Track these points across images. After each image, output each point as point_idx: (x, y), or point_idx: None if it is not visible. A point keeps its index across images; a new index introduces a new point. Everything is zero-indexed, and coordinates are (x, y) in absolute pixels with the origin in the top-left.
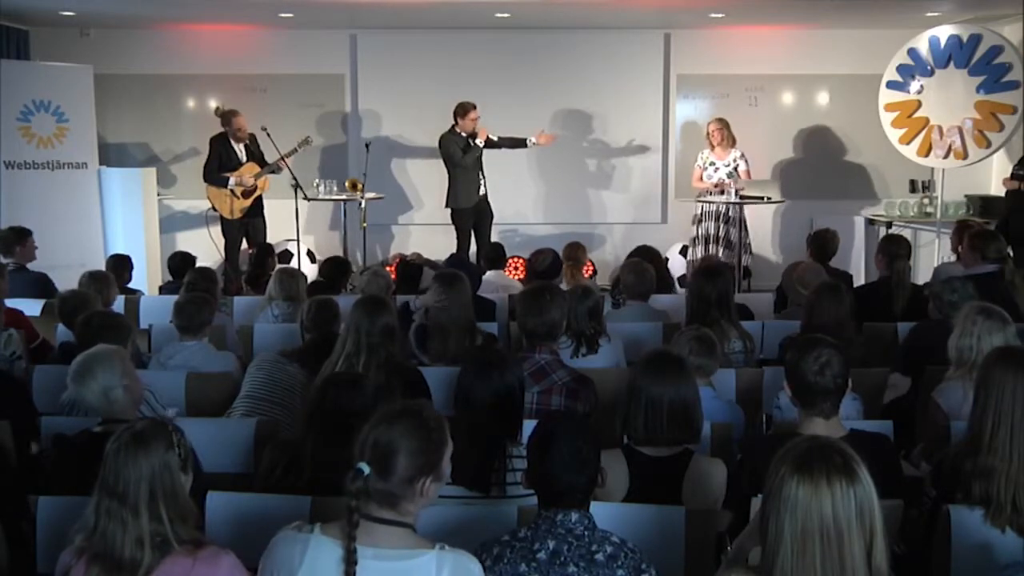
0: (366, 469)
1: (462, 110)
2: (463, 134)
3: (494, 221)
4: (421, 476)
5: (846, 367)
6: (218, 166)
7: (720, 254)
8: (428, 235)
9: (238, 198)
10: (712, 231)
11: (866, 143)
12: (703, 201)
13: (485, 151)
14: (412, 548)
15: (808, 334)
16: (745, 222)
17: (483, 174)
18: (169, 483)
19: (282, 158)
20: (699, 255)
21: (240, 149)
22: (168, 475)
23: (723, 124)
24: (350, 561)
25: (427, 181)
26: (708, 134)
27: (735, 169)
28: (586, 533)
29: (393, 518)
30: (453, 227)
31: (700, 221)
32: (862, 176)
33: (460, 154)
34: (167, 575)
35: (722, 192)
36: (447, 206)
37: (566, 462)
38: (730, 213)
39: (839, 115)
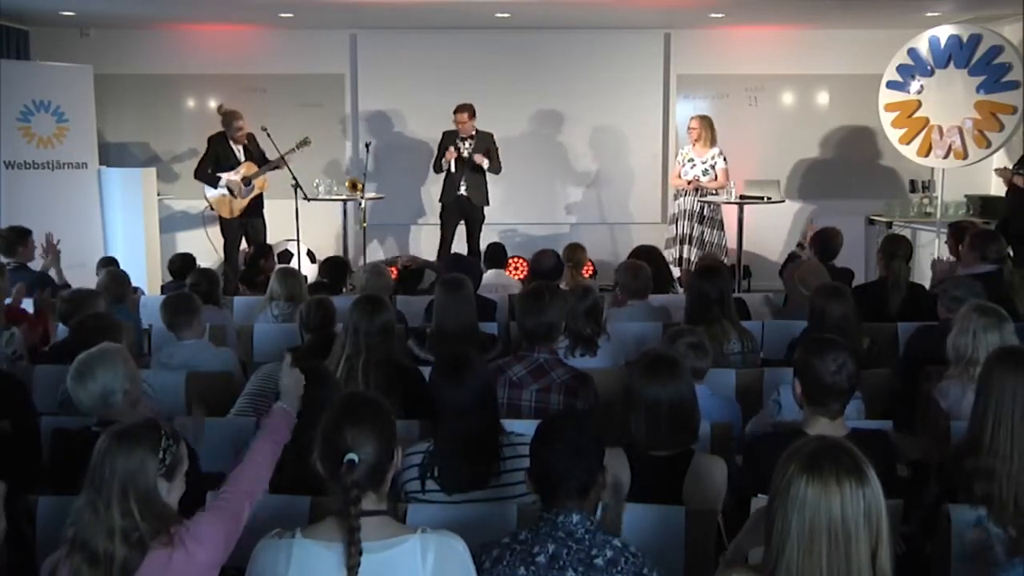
0: (357, 458)
1: (455, 110)
2: (461, 135)
3: (494, 221)
4: (394, 446)
5: (858, 368)
6: (214, 165)
7: (692, 255)
8: (428, 235)
9: (235, 198)
10: (686, 231)
11: (866, 143)
12: (704, 201)
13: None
14: (395, 535)
15: (818, 334)
16: (722, 223)
17: (468, 177)
18: (143, 486)
19: (281, 157)
20: (674, 256)
21: (238, 150)
22: (143, 478)
23: (704, 122)
24: (352, 554)
25: (427, 181)
26: (688, 129)
27: (712, 167)
28: (586, 536)
29: (373, 507)
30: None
31: (676, 220)
32: (862, 176)
33: (437, 162)
34: (148, 571)
35: (696, 191)
36: (439, 201)
37: (564, 452)
38: (705, 213)
39: (839, 115)
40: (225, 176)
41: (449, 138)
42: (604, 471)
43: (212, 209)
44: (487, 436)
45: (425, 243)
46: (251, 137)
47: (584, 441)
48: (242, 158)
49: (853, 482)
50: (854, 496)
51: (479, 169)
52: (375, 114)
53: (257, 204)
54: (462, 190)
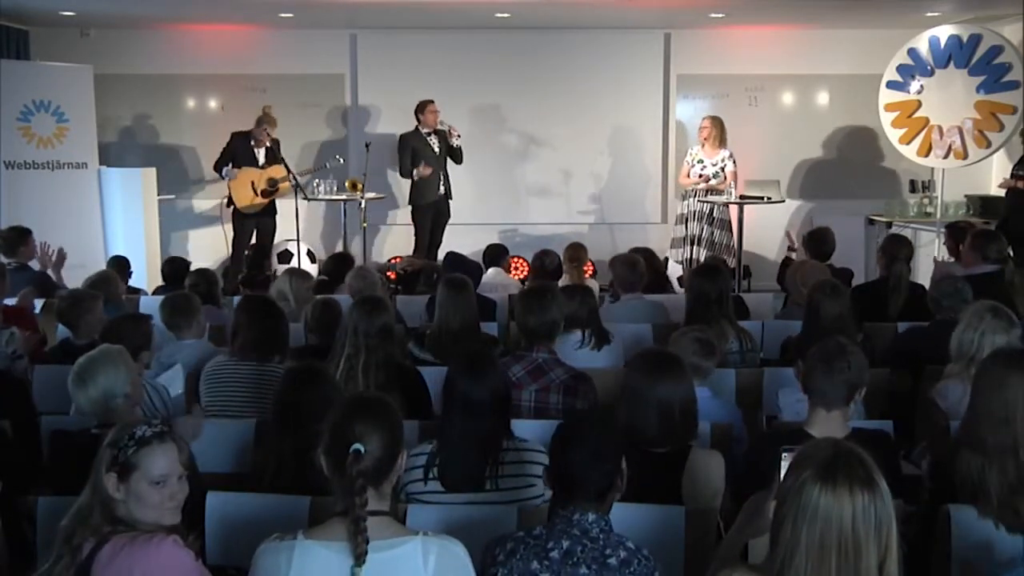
0: (363, 448)
1: (421, 106)
2: (425, 131)
3: (494, 221)
4: (400, 447)
5: (860, 360)
6: (230, 159)
7: (702, 256)
8: None
9: (257, 195)
10: (696, 231)
11: (866, 143)
12: (705, 201)
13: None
14: (397, 536)
15: (825, 336)
16: (730, 224)
17: (444, 173)
18: (95, 476)
19: (293, 178)
20: (682, 256)
21: (259, 152)
22: (97, 468)
23: (715, 123)
24: (359, 543)
25: None
26: (699, 128)
27: (722, 169)
28: (601, 536)
29: (376, 507)
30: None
31: (685, 221)
32: (862, 176)
33: (407, 167)
34: (103, 555)
35: (707, 191)
36: (409, 203)
37: (584, 455)
38: (715, 214)
39: (839, 115)
40: (235, 170)
41: (416, 139)
42: (622, 474)
43: (230, 203)
44: (492, 437)
45: None
46: (275, 142)
47: (606, 446)
48: (262, 160)
49: (866, 494)
50: (867, 508)
51: (447, 160)
52: (375, 114)
53: (272, 203)
54: (441, 189)
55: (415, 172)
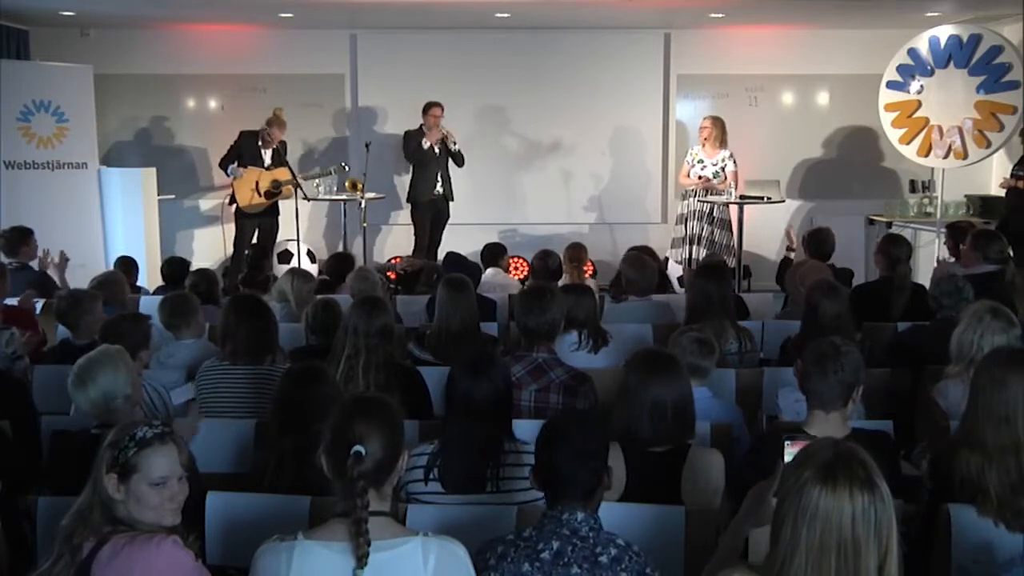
0: (364, 450)
1: (426, 107)
2: (427, 130)
3: (493, 221)
4: (401, 448)
5: (855, 360)
6: (237, 157)
7: (702, 256)
8: None
9: (260, 195)
10: (696, 231)
11: (866, 143)
12: (705, 201)
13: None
14: (397, 536)
15: (821, 337)
16: (730, 224)
17: (443, 173)
18: (95, 475)
19: (296, 181)
20: (683, 256)
21: (267, 152)
22: (96, 468)
23: (716, 123)
24: (361, 544)
25: None
26: (700, 128)
27: (722, 169)
28: (591, 534)
29: (377, 507)
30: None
31: (685, 221)
32: (862, 176)
33: (412, 150)
34: (103, 555)
35: (707, 191)
36: (408, 200)
37: (570, 455)
38: (715, 214)
39: (839, 115)
40: (241, 170)
41: (421, 135)
42: (609, 472)
43: (233, 200)
44: (493, 438)
45: None
46: (283, 144)
47: (590, 444)
48: (268, 160)
49: (866, 495)
50: (867, 511)
51: (448, 161)
52: (375, 114)
53: (274, 204)
54: (438, 187)
55: (424, 141)
